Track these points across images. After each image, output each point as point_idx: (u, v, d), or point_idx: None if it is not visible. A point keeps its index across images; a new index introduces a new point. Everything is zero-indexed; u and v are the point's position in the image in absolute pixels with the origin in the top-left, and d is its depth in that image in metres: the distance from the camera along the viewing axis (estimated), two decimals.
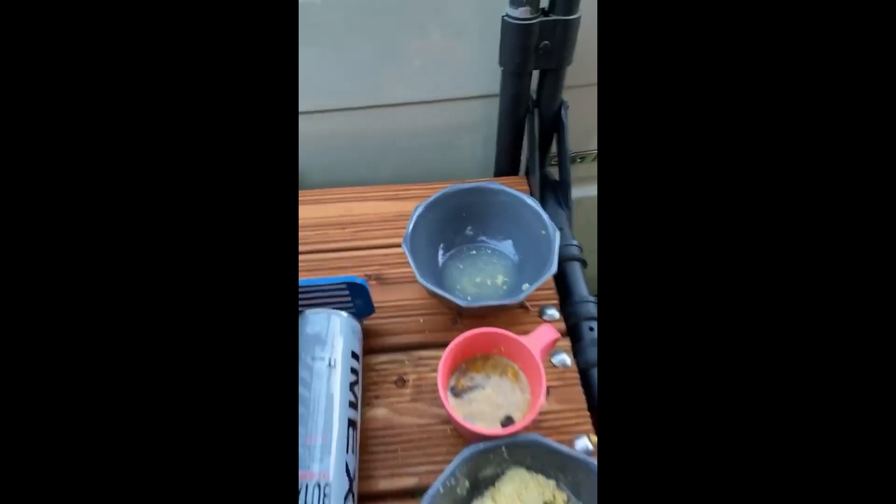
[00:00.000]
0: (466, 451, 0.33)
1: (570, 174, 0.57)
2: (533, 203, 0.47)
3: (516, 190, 0.49)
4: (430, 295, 0.49)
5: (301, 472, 0.32)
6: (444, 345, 0.46)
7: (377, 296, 0.49)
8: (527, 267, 0.48)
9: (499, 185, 0.49)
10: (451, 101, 0.62)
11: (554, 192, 0.59)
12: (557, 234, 0.45)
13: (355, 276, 0.40)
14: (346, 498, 0.33)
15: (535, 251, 0.47)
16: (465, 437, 0.39)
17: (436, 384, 0.44)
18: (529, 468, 0.34)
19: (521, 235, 0.49)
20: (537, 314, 0.48)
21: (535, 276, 0.46)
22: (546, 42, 0.49)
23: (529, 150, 0.59)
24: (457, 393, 0.39)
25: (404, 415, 0.42)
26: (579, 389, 0.43)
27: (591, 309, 0.48)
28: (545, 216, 0.46)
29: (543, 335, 0.37)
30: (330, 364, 0.37)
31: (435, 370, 0.45)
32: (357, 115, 0.61)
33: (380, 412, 0.42)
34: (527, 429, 0.35)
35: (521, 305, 0.48)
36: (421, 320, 0.48)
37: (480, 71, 0.57)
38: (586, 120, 0.65)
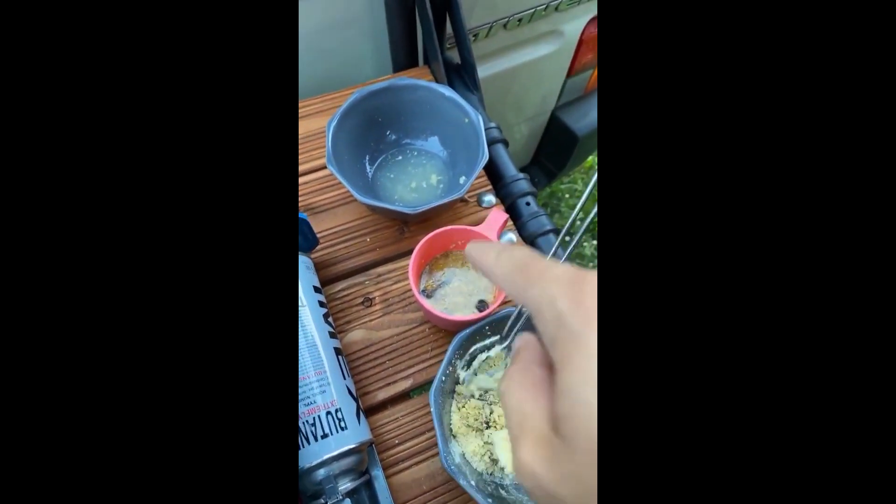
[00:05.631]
0: (456, 340, 0.35)
1: (472, 54, 0.55)
2: (449, 92, 0.46)
3: (427, 81, 0.46)
4: (371, 211, 0.48)
5: (308, 410, 0.32)
6: (397, 257, 0.47)
7: (314, 227, 0.47)
8: (458, 160, 0.48)
9: (409, 79, 0.46)
10: None
11: (460, 76, 0.57)
12: (481, 118, 0.45)
13: None
14: (357, 416, 0.34)
15: (462, 142, 0.47)
16: (448, 329, 0.41)
17: (403, 294, 0.45)
18: None
19: (446, 129, 0.48)
20: (476, 203, 0.50)
21: (468, 167, 0.46)
22: None
23: (425, 37, 0.55)
24: (428, 294, 0.40)
25: (381, 329, 0.43)
26: None
27: (524, 186, 0.50)
28: (465, 103, 0.45)
29: (495, 220, 0.39)
30: (300, 304, 0.36)
31: (397, 282, 0.45)
32: None
33: (357, 334, 0.43)
34: (501, 305, 0.38)
35: (462, 200, 0.49)
36: (367, 239, 0.47)
37: None
38: None
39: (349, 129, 0.45)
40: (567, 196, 1.51)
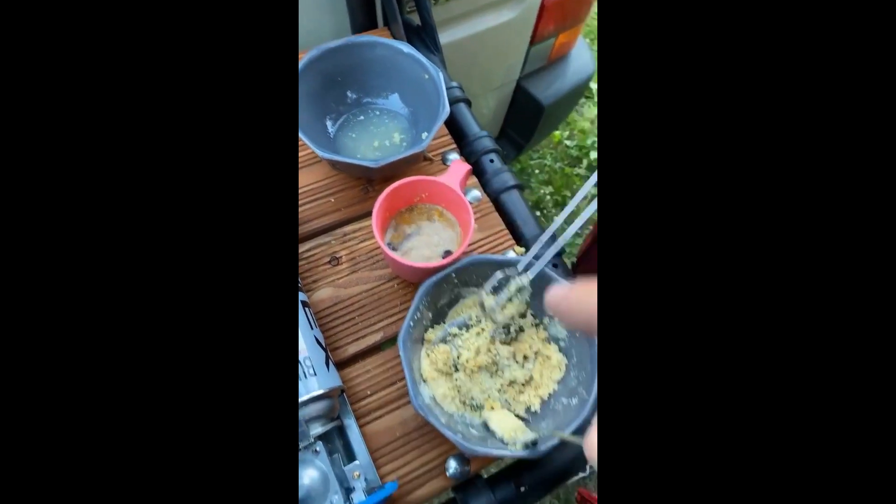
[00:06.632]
0: (424, 286, 0.36)
1: (431, 15, 0.55)
2: (408, 49, 0.45)
3: (386, 38, 0.46)
4: (335, 170, 0.47)
5: None
6: (363, 216, 0.47)
7: None
8: (419, 117, 0.48)
9: (367, 36, 0.46)
10: None
11: (420, 38, 0.57)
12: (441, 74, 0.45)
13: None
14: (326, 363, 0.35)
15: (423, 99, 0.47)
16: (416, 281, 0.42)
17: (370, 252, 0.45)
18: (478, 285, 0.39)
19: (406, 86, 0.48)
20: (441, 162, 0.50)
21: (430, 123, 0.46)
22: None
23: None
24: (394, 248, 0.41)
25: (349, 287, 0.43)
26: (495, 215, 0.48)
27: (487, 143, 0.50)
28: (424, 59, 0.45)
29: (458, 170, 0.39)
30: None
31: (363, 241, 0.45)
32: None
33: (325, 292, 0.43)
34: (465, 253, 0.38)
35: (426, 158, 0.49)
36: (332, 200, 0.47)
37: None
38: None
39: (307, 89, 0.44)
40: (537, 171, 1.52)
